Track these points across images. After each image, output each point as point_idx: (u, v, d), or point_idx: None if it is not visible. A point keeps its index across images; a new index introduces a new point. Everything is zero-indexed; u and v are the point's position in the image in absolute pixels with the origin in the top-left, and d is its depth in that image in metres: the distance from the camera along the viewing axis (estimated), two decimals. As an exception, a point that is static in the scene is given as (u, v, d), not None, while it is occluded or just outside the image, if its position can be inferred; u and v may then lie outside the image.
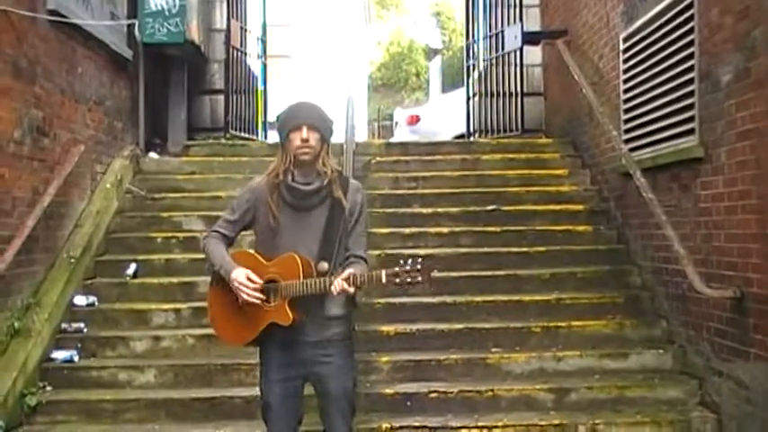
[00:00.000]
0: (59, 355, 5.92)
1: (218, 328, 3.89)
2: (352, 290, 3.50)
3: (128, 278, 6.86)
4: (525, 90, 9.97)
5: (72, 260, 6.50)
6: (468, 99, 11.10)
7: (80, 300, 6.49)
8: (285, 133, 3.68)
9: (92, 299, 6.56)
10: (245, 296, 3.57)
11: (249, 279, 3.58)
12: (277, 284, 3.58)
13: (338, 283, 3.47)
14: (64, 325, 6.21)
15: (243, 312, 3.65)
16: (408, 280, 3.46)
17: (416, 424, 5.23)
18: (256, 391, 5.42)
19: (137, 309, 6.51)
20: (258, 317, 3.62)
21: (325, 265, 3.59)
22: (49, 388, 5.65)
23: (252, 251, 3.77)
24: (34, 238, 5.97)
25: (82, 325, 6.27)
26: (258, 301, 3.57)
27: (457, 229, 7.51)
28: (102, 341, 6.16)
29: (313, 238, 3.63)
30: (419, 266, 3.46)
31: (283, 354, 3.67)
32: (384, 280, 3.47)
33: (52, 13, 6.31)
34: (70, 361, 5.91)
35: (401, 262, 3.49)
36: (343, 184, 3.73)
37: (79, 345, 6.06)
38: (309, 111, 3.72)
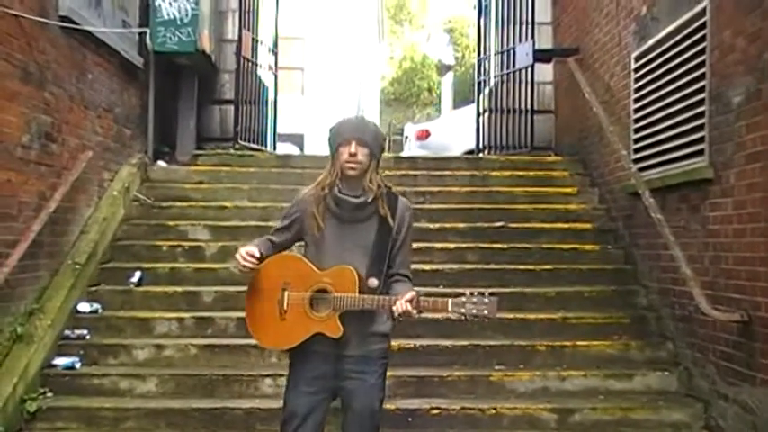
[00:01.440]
0: (61, 361, 5.90)
1: (256, 332, 3.77)
2: (415, 312, 3.48)
3: (132, 286, 6.84)
4: (536, 107, 9.94)
5: (77, 267, 6.49)
6: (479, 115, 11.08)
7: (84, 306, 6.47)
8: (335, 146, 3.67)
9: (95, 306, 6.54)
10: (242, 261, 3.61)
11: (248, 253, 3.62)
12: (329, 295, 3.54)
13: (402, 305, 3.45)
14: (67, 331, 6.19)
15: (286, 318, 3.61)
16: (474, 312, 3.43)
17: (417, 440, 5.20)
18: (258, 402, 5.50)
19: (140, 317, 6.48)
20: (304, 325, 3.58)
21: (375, 282, 3.58)
22: (49, 394, 5.62)
23: (300, 256, 3.74)
24: (39, 244, 5.96)
25: (85, 332, 6.24)
26: (249, 264, 3.62)
27: (464, 245, 7.48)
28: (105, 349, 6.13)
29: (361, 253, 3.62)
30: (487, 300, 3.43)
31: (318, 365, 3.62)
32: (450, 309, 3.45)
33: (64, 19, 6.33)
34: (72, 368, 5.88)
35: (467, 293, 3.46)
36: (391, 201, 3.71)
37: (81, 352, 6.04)
38: (360, 126, 3.74)
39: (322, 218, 3.65)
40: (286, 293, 3.62)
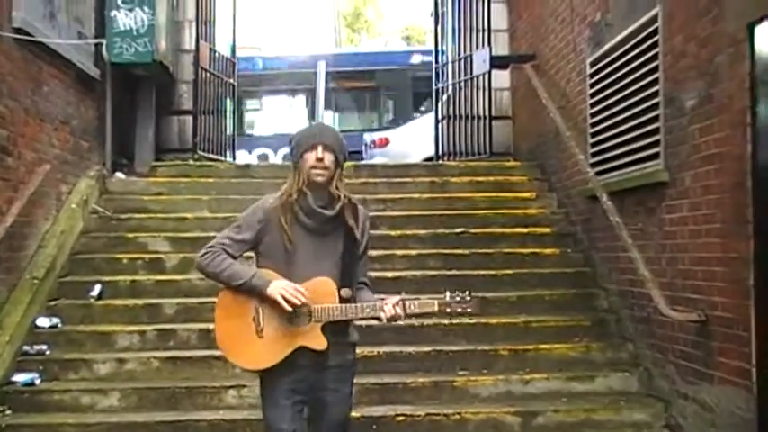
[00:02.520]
0: (20, 377, 5.80)
1: (231, 352, 3.61)
2: (402, 316, 3.51)
3: (92, 300, 6.76)
4: (493, 113, 10.01)
5: (35, 281, 6.40)
6: (437, 122, 11.14)
7: (43, 321, 6.38)
8: (299, 153, 3.58)
9: (55, 320, 6.45)
10: (296, 301, 3.42)
11: (295, 288, 3.45)
12: (308, 308, 3.47)
13: (390, 309, 3.49)
14: (26, 347, 6.09)
15: (264, 335, 3.50)
16: (459, 310, 3.57)
17: (383, 448, 5.20)
18: (222, 414, 5.46)
19: (101, 331, 6.41)
20: (285, 340, 3.49)
21: (348, 291, 3.56)
22: (8, 412, 5.53)
23: (272, 271, 3.55)
24: (-4, 259, 5.88)
25: (45, 347, 6.15)
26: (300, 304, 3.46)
27: (425, 251, 7.51)
28: (65, 364, 6.05)
29: (331, 264, 3.56)
30: (468, 298, 3.57)
31: (293, 378, 3.53)
32: (436, 308, 3.57)
33: (18, 31, 6.25)
34: (32, 384, 5.78)
35: (451, 294, 3.60)
36: (354, 209, 3.66)
37: (41, 367, 5.94)
38: (324, 131, 3.70)
39: (291, 228, 3.54)
40: (261, 309, 3.50)
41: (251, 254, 3.73)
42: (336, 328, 3.53)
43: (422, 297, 6.42)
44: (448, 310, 3.55)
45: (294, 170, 3.64)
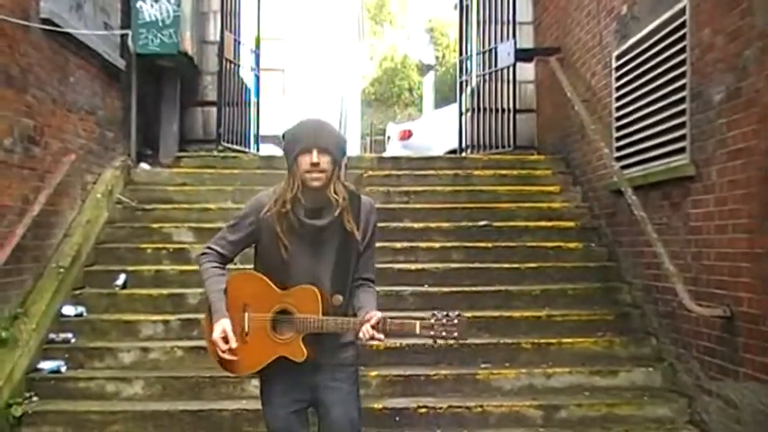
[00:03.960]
0: (46, 365, 5.88)
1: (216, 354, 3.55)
2: (382, 337, 3.30)
3: (117, 289, 6.83)
4: (518, 107, 10.00)
5: (61, 270, 6.46)
6: (461, 115, 11.12)
7: (68, 310, 6.45)
8: (293, 156, 3.38)
9: (80, 309, 6.52)
10: (218, 354, 3.38)
11: (225, 338, 3.35)
12: (292, 316, 3.36)
13: (367, 330, 3.29)
14: (52, 335, 6.16)
15: (247, 343, 3.40)
16: (443, 333, 3.31)
17: (405, 439, 5.21)
18: (244, 404, 5.50)
19: (125, 320, 6.47)
20: (266, 349, 3.38)
21: (339, 298, 3.40)
22: (35, 399, 5.61)
23: (260, 276, 3.47)
24: (23, 248, 5.94)
25: (70, 335, 6.23)
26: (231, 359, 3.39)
27: (448, 244, 7.50)
28: (90, 352, 6.11)
29: (326, 269, 3.41)
30: (455, 321, 3.32)
31: (288, 377, 3.43)
32: (418, 331, 3.29)
33: (45, 21, 6.30)
34: (57, 371, 5.86)
35: (436, 315, 3.34)
36: (354, 205, 3.47)
37: (67, 355, 6.02)
38: (319, 130, 3.40)
39: (286, 237, 3.39)
40: (247, 315, 3.41)
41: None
42: (322, 334, 3.38)
43: (443, 289, 6.53)
44: (432, 333, 3.29)
45: (288, 173, 3.45)
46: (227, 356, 3.38)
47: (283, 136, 3.49)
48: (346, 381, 3.50)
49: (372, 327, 3.29)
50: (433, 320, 3.32)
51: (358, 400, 3.58)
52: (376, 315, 3.32)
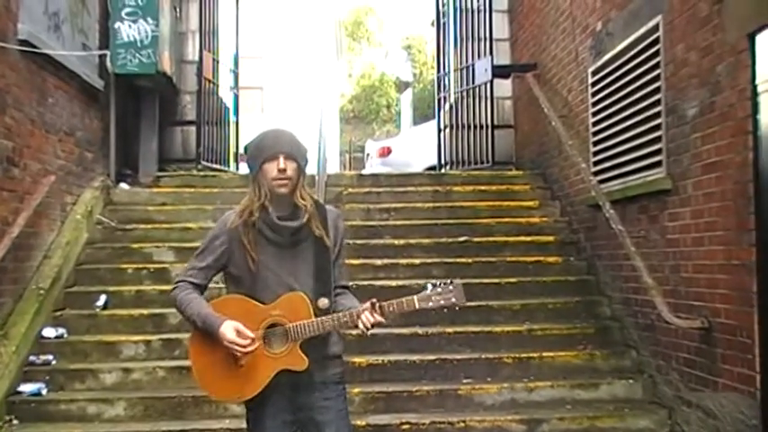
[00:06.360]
0: (27, 388, 5.83)
1: (210, 386, 3.44)
2: (383, 320, 3.27)
3: (97, 310, 6.80)
4: (496, 123, 10.07)
5: (41, 291, 6.43)
6: (440, 131, 11.18)
7: (49, 332, 6.41)
8: (258, 164, 3.35)
9: (61, 331, 6.48)
10: (240, 354, 3.24)
11: (239, 333, 3.23)
12: (282, 327, 3.28)
13: (367, 319, 3.25)
14: (32, 357, 6.12)
15: (242, 365, 3.28)
16: (442, 302, 3.31)
17: (388, 456, 5.22)
18: (227, 423, 5.48)
19: (106, 341, 6.44)
20: (264, 367, 3.28)
21: (326, 302, 3.34)
22: (15, 422, 5.56)
23: (239, 296, 3.37)
24: (2, 269, 5.91)
25: (50, 357, 6.19)
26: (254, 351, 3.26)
27: (429, 260, 7.52)
28: (71, 374, 6.08)
29: (305, 276, 3.35)
30: (452, 287, 3.31)
31: (278, 399, 3.33)
32: (417, 305, 3.29)
33: (23, 43, 6.30)
34: (38, 394, 5.82)
35: (430, 285, 3.34)
36: (321, 214, 3.44)
37: (47, 377, 5.98)
38: (284, 138, 3.40)
39: (254, 247, 3.32)
40: None
41: None
42: (314, 342, 3.31)
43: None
44: (431, 304, 3.29)
45: (253, 182, 3.40)
46: (249, 350, 3.24)
47: (245, 149, 3.49)
48: (337, 399, 3.44)
49: (370, 313, 3.28)
50: (429, 291, 3.33)
51: (348, 418, 3.54)
52: (369, 301, 3.31)
